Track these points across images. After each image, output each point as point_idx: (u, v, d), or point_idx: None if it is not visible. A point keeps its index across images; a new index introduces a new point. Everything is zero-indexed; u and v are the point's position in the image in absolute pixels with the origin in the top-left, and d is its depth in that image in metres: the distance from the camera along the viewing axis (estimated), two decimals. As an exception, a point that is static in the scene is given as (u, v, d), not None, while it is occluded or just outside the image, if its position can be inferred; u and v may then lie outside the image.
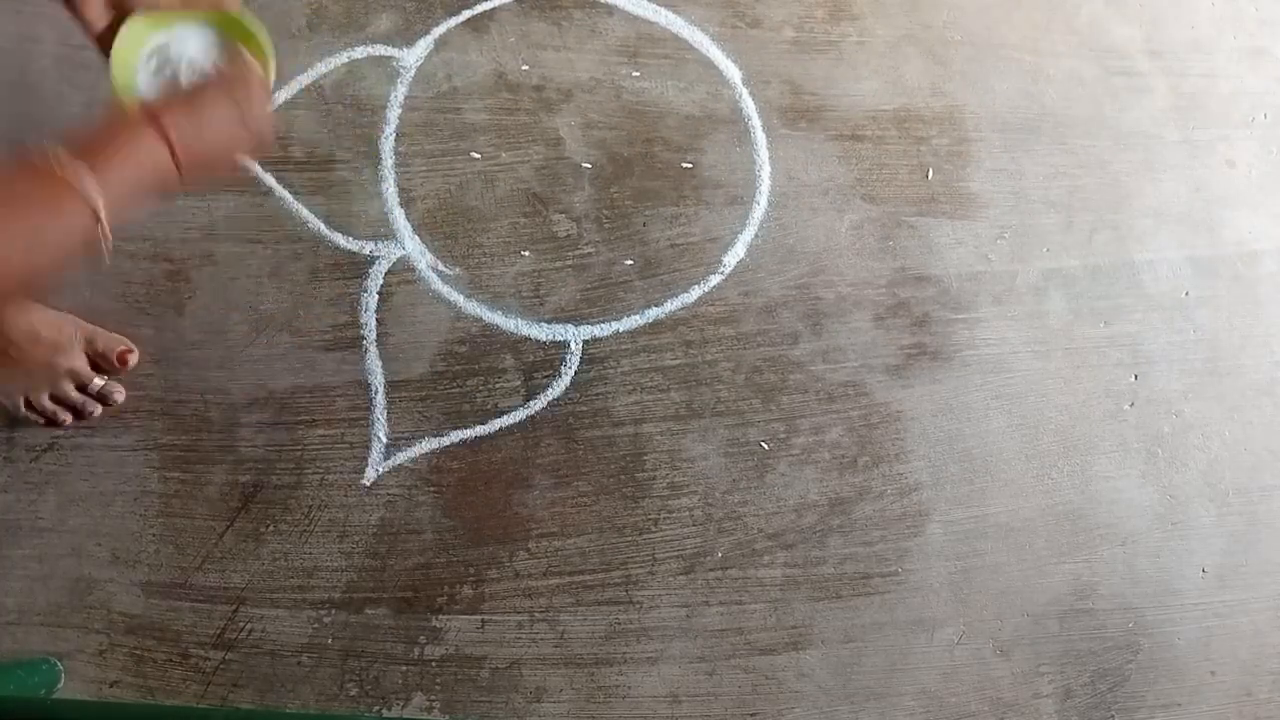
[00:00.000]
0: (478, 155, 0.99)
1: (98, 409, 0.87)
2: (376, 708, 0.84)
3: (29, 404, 0.85)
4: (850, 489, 0.94)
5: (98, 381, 0.86)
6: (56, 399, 0.85)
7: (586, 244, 0.98)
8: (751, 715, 0.87)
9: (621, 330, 0.95)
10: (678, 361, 0.95)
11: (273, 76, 0.60)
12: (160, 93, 0.55)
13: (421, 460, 0.90)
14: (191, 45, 0.58)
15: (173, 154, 0.49)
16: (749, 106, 1.04)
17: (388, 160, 0.97)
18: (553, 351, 0.94)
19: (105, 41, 0.55)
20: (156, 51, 0.57)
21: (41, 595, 0.84)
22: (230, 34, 0.59)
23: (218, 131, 0.52)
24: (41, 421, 0.86)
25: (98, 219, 0.44)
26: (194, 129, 0.50)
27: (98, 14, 0.53)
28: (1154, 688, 0.93)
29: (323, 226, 0.95)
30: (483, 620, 0.87)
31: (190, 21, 0.58)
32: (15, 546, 0.85)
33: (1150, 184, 1.09)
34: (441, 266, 0.95)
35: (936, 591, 0.92)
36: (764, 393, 0.95)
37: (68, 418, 0.86)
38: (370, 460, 0.89)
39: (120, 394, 0.88)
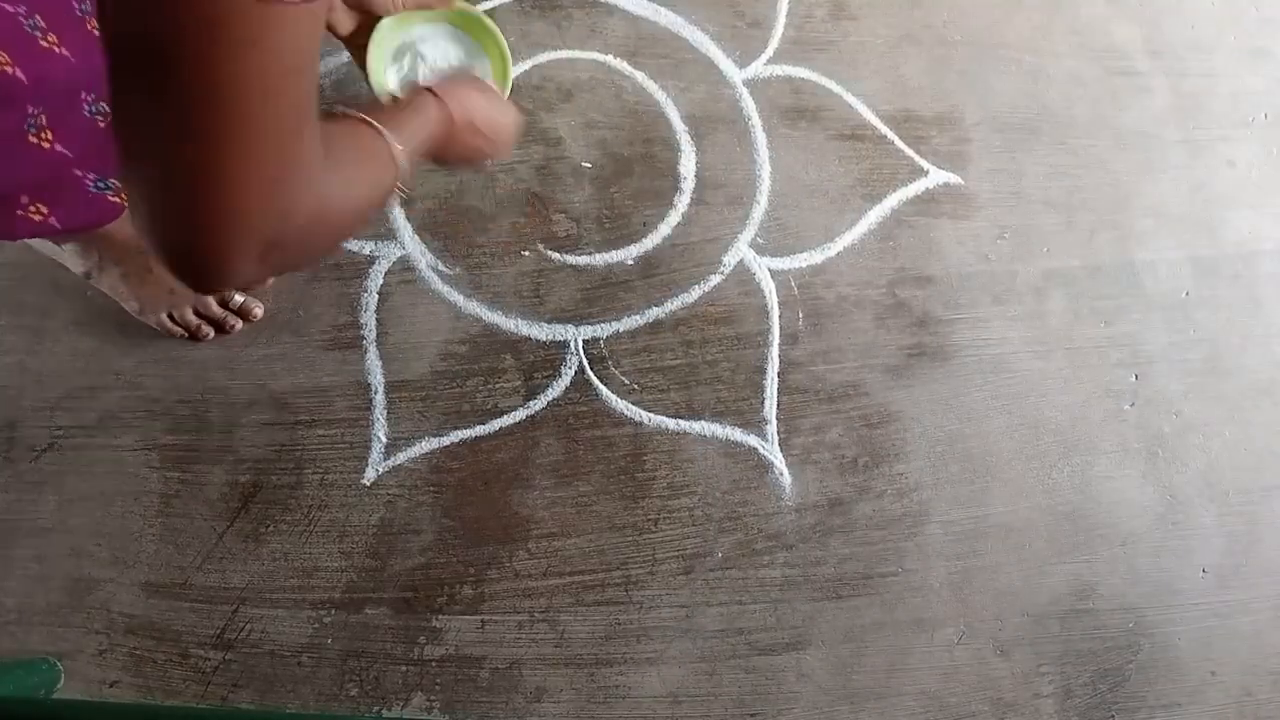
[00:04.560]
0: (478, 155, 0.99)
1: (238, 323, 0.90)
2: (376, 708, 0.84)
3: (172, 318, 0.89)
4: (850, 489, 0.93)
5: (238, 298, 0.90)
6: (199, 313, 0.89)
7: (586, 244, 0.97)
8: (751, 715, 0.87)
9: (621, 330, 0.95)
10: (678, 361, 0.95)
11: (510, 73, 0.66)
12: (408, 88, 0.62)
13: (421, 460, 0.90)
14: (430, 46, 0.64)
15: (451, 118, 0.57)
16: (749, 106, 1.04)
17: (388, 160, 0.97)
18: (553, 351, 0.94)
19: (352, 43, 0.63)
20: (401, 50, 0.63)
21: (41, 595, 0.84)
22: (470, 33, 0.66)
23: (479, 106, 0.60)
24: (184, 334, 0.90)
25: (397, 170, 0.52)
26: (460, 101, 0.59)
27: (343, 20, 0.62)
28: (1154, 688, 0.92)
29: (323, 226, 0.95)
30: (483, 620, 0.87)
31: (433, 23, 0.65)
32: (15, 546, 0.85)
33: (1150, 184, 1.08)
34: (441, 266, 0.95)
35: (936, 591, 0.92)
36: (764, 392, 0.95)
37: (210, 332, 0.90)
38: (370, 460, 0.89)
39: (260, 309, 0.91)
